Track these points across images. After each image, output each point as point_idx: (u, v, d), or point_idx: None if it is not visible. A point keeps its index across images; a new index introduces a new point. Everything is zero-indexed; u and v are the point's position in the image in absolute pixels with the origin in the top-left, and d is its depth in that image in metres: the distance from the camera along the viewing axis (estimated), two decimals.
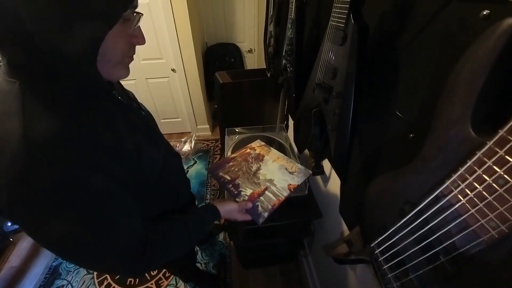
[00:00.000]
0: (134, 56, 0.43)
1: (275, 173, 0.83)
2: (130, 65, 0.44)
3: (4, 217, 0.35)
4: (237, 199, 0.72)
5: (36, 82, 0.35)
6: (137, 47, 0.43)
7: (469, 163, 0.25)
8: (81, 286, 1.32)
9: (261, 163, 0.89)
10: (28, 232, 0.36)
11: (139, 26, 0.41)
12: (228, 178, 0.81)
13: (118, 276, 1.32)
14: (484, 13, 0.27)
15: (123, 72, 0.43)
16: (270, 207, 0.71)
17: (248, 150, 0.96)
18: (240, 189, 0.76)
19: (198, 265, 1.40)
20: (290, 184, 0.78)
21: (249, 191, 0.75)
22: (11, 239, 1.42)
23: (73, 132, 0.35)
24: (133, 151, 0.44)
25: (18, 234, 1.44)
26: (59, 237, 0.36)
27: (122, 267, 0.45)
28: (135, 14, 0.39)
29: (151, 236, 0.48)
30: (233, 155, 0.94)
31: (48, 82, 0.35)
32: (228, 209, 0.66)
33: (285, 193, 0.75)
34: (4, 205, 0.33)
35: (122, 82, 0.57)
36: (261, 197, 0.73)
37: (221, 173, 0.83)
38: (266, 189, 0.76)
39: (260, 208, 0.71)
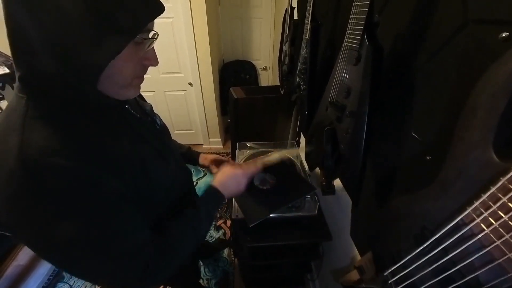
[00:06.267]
0: (155, 69, 0.45)
1: None
2: (151, 78, 0.46)
3: (6, 232, 0.36)
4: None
5: (40, 98, 0.36)
6: (160, 61, 0.44)
7: (493, 189, 0.23)
8: None
9: None
10: (34, 249, 0.37)
11: (153, 47, 0.41)
12: None
13: None
14: (503, 35, 0.26)
15: (131, 92, 0.43)
16: None
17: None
18: None
19: (200, 281, 1.36)
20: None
21: None
22: None
23: (70, 148, 0.36)
24: (137, 166, 0.44)
25: None
26: (60, 251, 0.37)
27: (128, 280, 0.43)
28: (146, 39, 0.38)
29: (158, 246, 0.47)
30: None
31: (51, 99, 0.36)
32: (229, 180, 0.63)
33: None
34: (3, 222, 0.34)
35: (142, 93, 0.59)
36: None
37: None
38: None
39: None
